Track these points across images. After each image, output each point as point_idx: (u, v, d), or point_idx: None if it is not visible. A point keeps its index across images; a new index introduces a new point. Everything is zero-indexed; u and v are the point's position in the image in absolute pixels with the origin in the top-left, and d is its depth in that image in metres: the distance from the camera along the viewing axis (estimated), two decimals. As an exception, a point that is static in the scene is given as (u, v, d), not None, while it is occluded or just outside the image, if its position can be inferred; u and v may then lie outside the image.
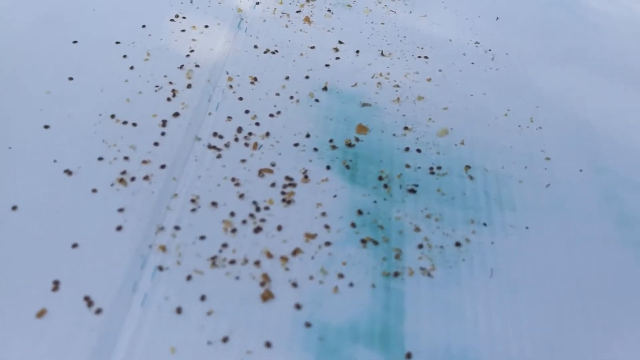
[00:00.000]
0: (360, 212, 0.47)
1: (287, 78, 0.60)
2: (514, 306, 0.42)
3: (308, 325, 0.40)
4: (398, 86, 0.60)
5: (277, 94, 0.58)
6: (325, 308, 0.41)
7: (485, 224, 0.47)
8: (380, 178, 0.50)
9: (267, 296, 0.41)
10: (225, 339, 0.39)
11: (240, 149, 0.52)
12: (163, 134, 0.52)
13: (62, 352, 0.37)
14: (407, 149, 0.53)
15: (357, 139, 0.54)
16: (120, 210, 0.46)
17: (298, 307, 0.41)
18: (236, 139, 0.53)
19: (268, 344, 0.39)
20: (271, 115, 0.56)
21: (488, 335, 0.41)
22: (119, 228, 0.45)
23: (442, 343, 0.40)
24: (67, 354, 0.37)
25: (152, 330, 0.39)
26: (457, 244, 0.46)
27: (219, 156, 0.51)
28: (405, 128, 0.55)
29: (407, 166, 0.51)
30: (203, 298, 0.41)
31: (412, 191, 0.49)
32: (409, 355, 0.39)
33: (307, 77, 0.60)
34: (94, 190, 0.47)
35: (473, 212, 0.48)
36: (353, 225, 0.46)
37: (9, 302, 0.40)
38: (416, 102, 0.58)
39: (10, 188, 0.47)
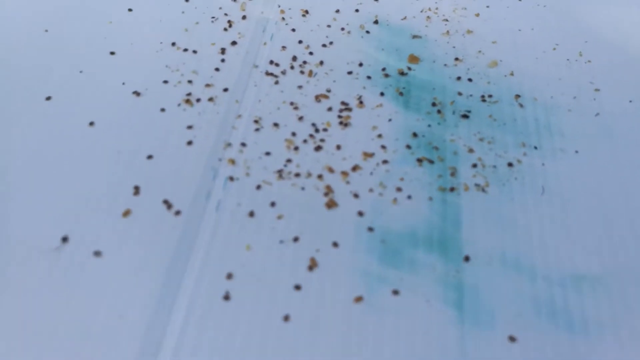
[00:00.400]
0: (415, 135, 0.49)
1: (337, 11, 0.61)
2: (565, 220, 0.45)
3: (370, 229, 0.43)
4: (447, 20, 0.61)
5: (329, 26, 0.60)
6: (386, 216, 0.44)
7: (535, 147, 0.49)
8: (434, 104, 0.52)
9: (331, 204, 0.44)
10: (295, 239, 0.42)
11: (296, 76, 0.54)
12: (222, 60, 0.55)
13: (148, 247, 0.41)
14: (458, 78, 0.55)
15: (409, 69, 0.55)
16: (189, 127, 0.49)
17: (360, 214, 0.44)
18: (292, 67, 0.55)
19: (335, 244, 0.42)
20: (324, 45, 0.57)
21: (540, 245, 0.43)
22: (189, 143, 0.47)
23: (497, 250, 0.42)
24: (152, 250, 0.41)
25: (227, 230, 0.42)
26: (509, 165, 0.48)
27: (276, 82, 0.53)
28: (456, 59, 0.57)
29: (459, 94, 0.53)
30: (273, 204, 0.44)
31: (465, 116, 0.51)
32: (466, 259, 0.41)
33: (356, 11, 0.61)
34: (163, 110, 0.50)
35: (523, 136, 0.50)
36: (408, 147, 0.49)
37: (97, 204, 0.43)
38: (465, 36, 0.59)
39: (86, 107, 0.50)
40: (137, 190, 0.44)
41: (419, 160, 0.48)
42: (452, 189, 0.46)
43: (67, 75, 0.52)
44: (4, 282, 0.38)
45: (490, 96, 0.53)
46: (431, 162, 0.48)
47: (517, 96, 0.54)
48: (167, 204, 0.43)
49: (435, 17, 0.62)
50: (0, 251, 0.40)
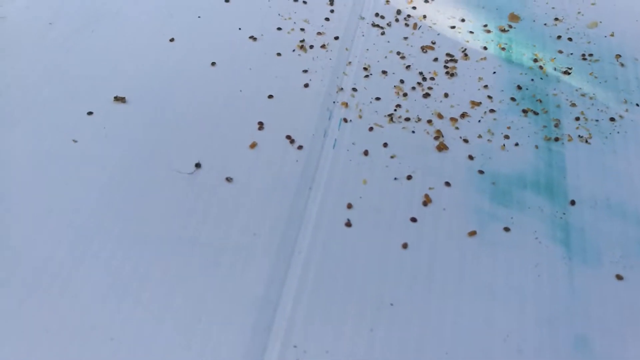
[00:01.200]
0: (519, 87, 0.51)
1: (437, -30, 0.63)
2: (667, 174, 0.46)
3: (481, 172, 0.45)
4: (546, -19, 0.62)
5: (430, -16, 0.61)
6: (494, 161, 0.46)
7: (638, 105, 0.50)
8: (535, 60, 0.54)
9: (441, 147, 0.47)
10: (409, 177, 0.45)
11: (401, 28, 0.56)
12: (332, 11, 0.57)
13: (274, 176, 0.44)
14: (558, 37, 0.56)
15: (509, 26, 0.57)
16: (304, 71, 0.52)
17: (470, 157, 0.46)
18: (396, 20, 0.57)
19: (447, 183, 0.44)
20: (426, 1, 0.59)
21: (643, 195, 0.45)
22: (305, 85, 0.50)
23: (601, 195, 0.44)
24: (279, 178, 0.44)
25: (344, 166, 0.45)
26: (612, 119, 0.49)
27: (382, 33, 0.56)
28: (556, 19, 0.58)
29: (560, 52, 0.55)
30: (385, 145, 0.47)
31: (567, 73, 0.53)
32: (572, 202, 0.43)
33: (456, -30, 0.63)
34: (279, 54, 0.53)
35: (625, 94, 0.51)
36: (513, 99, 0.50)
37: (224, 136, 0.47)
38: (565, -4, 0.60)
39: (206, 48, 0.53)
40: (261, 125, 0.47)
41: (524, 111, 0.49)
42: (556, 139, 0.48)
43: (187, 19, 0.56)
44: (150, 200, 0.43)
45: (590, 55, 0.55)
46: (536, 113, 0.49)
47: (618, 56, 0.55)
48: (290, 139, 0.46)
49: (534, -22, 0.62)
50: (146, 171, 0.44)
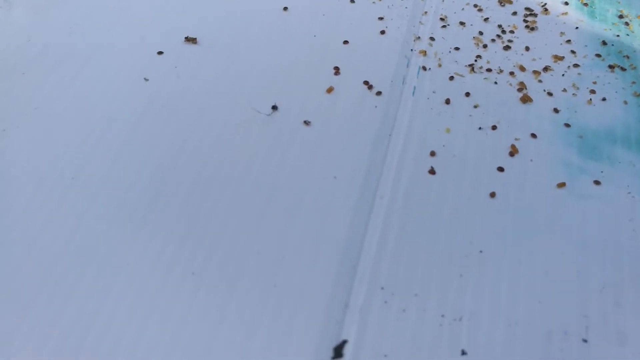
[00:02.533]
0: (604, 43, 0.49)
1: None
2: None
3: (567, 125, 0.43)
4: (628, -62, 0.59)
5: (505, -62, 0.59)
6: (581, 115, 0.44)
7: None
8: (620, 17, 0.51)
9: (526, 99, 0.45)
10: (494, 127, 0.43)
11: (477, -19, 0.54)
12: (405, -39, 0.55)
13: (353, 121, 0.43)
14: (644, -6, 0.53)
15: (591, -18, 0.55)
16: (380, 18, 0.50)
17: (556, 111, 0.44)
18: (472, -27, 0.55)
19: (533, 135, 0.42)
20: (502, -45, 0.57)
21: None
22: (382, 32, 0.49)
23: (697, 155, 0.42)
24: (358, 123, 0.43)
25: (425, 114, 0.44)
26: None
27: (458, -15, 0.54)
28: (640, -24, 0.55)
29: (646, 8, 0.52)
30: (467, 94, 0.45)
31: (654, 30, 0.50)
32: (667, 159, 0.41)
33: None
34: (352, 1, 0.51)
35: None
36: (598, 55, 0.48)
37: (300, 80, 0.45)
38: (648, -46, 0.57)
39: (277, -7, 0.52)
40: (337, 70, 0.46)
41: (611, 67, 0.47)
42: (646, 96, 0.45)
43: (256, -35, 0.54)
44: (227, 141, 0.41)
45: (678, 13, 0.52)
46: (623, 69, 0.47)
47: None
48: (367, 84, 0.45)
49: None
50: (221, 112, 0.43)
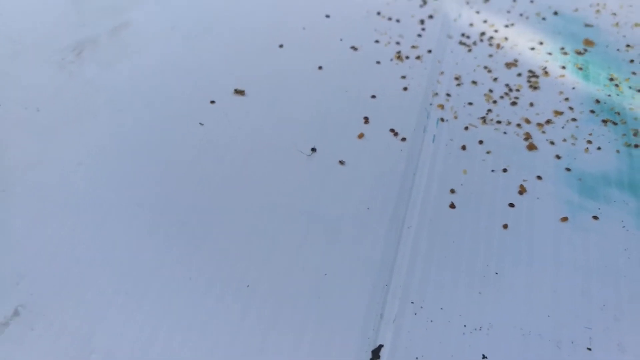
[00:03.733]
0: (598, 101, 0.56)
1: (514, 0, 0.69)
2: None
3: (568, 169, 0.50)
4: (615, 14, 0.68)
5: (508, 11, 0.68)
6: (580, 161, 0.50)
7: None
8: (611, 79, 0.59)
9: (531, 147, 0.51)
10: (504, 170, 0.49)
11: (486, 47, 0.62)
12: (423, 29, 0.64)
13: (381, 162, 0.49)
14: (631, 61, 0.61)
15: (585, 50, 0.62)
16: (403, 77, 0.57)
17: (558, 157, 0.51)
18: (481, 40, 0.63)
19: (539, 177, 0.49)
20: (506, 26, 0.65)
21: None
22: (404, 89, 0.56)
23: (682, 196, 0.48)
24: (385, 164, 0.49)
25: (444, 158, 0.50)
26: (686, 132, 0.54)
27: (469, 50, 0.62)
28: (627, 46, 0.63)
29: (633, 73, 0.60)
30: (481, 142, 0.51)
31: (640, 91, 0.58)
32: (656, 200, 0.48)
33: (531, 2, 0.69)
34: (378, 62, 0.59)
35: (696, 112, 0.56)
36: (592, 111, 0.55)
37: (335, 127, 0.52)
38: (634, 28, 0.66)
39: (312, 53, 0.59)
40: (366, 120, 0.53)
41: (604, 121, 0.54)
42: (636, 146, 0.52)
43: (293, 30, 0.63)
44: (273, 176, 0.48)
45: (661, 78, 0.60)
46: (615, 123, 0.54)
47: (687, 80, 0.60)
48: (393, 132, 0.52)
49: (604, 11, 0.68)
50: (268, 153, 0.50)
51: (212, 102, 0.54)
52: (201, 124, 0.52)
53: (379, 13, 0.65)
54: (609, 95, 0.57)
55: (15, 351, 0.38)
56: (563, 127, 0.54)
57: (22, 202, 0.46)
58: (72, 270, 0.42)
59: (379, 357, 0.38)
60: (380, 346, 0.38)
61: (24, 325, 0.39)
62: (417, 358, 0.38)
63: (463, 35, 0.64)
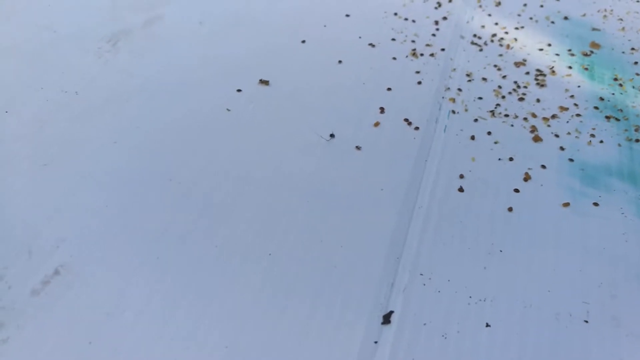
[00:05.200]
0: (601, 99, 0.59)
1: (525, 5, 0.73)
2: None
3: (571, 160, 0.53)
4: (622, 19, 0.71)
5: (519, 15, 0.71)
6: (583, 153, 0.53)
7: None
8: (615, 79, 0.62)
9: (537, 139, 0.54)
10: (510, 159, 0.52)
11: (496, 47, 0.66)
12: (437, 29, 0.67)
13: (396, 148, 0.53)
14: (635, 63, 0.64)
15: (591, 52, 0.66)
16: (417, 72, 0.61)
17: (562, 148, 0.54)
18: (492, 41, 0.67)
19: (543, 166, 0.52)
20: (516, 28, 0.69)
21: None
22: (418, 82, 0.60)
23: (679, 187, 0.51)
24: (399, 150, 0.52)
25: (454, 146, 0.53)
26: (685, 130, 0.57)
27: (481, 50, 0.65)
28: (632, 49, 0.66)
29: (637, 74, 0.63)
30: (489, 133, 0.55)
31: (643, 91, 0.61)
32: (654, 190, 0.50)
33: (541, 6, 0.73)
34: (394, 58, 0.63)
35: (696, 111, 0.59)
36: (597, 107, 0.58)
37: (351, 116, 0.55)
38: (639, 33, 0.69)
39: (333, 49, 0.63)
40: (382, 109, 0.56)
41: (607, 117, 0.57)
42: (637, 140, 0.55)
43: (315, 27, 0.66)
44: (294, 159, 0.51)
45: (664, 79, 0.63)
46: (617, 119, 0.57)
47: (689, 82, 0.62)
48: (407, 121, 0.55)
49: (610, 17, 0.72)
50: (289, 138, 0.53)
51: (239, 90, 0.58)
52: (228, 109, 0.56)
53: (396, 14, 0.69)
54: (613, 94, 0.60)
55: (56, 306, 0.41)
56: (568, 122, 0.57)
57: (62, 175, 0.49)
58: (107, 236, 0.45)
59: (389, 321, 0.41)
60: (391, 312, 0.41)
61: (64, 284, 0.42)
62: (425, 324, 0.41)
63: (475, 36, 0.67)
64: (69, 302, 0.41)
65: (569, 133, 0.55)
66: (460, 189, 0.50)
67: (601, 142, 0.55)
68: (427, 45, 0.65)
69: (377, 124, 0.55)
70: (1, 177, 0.49)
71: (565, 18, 0.71)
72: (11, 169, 0.50)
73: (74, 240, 0.45)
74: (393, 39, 0.65)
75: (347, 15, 0.68)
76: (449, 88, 0.60)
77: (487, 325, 0.41)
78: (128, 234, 0.45)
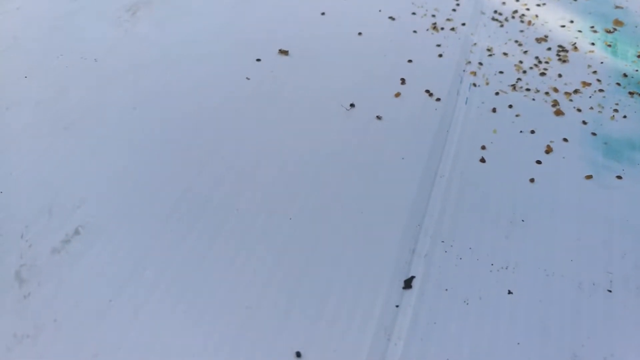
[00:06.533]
0: (625, 75, 0.59)
1: (546, -18, 0.72)
2: None
3: (594, 134, 0.52)
4: (645, -2, 0.70)
5: (541, -8, 0.70)
6: (605, 127, 0.53)
7: None
8: (639, 56, 0.61)
9: (558, 113, 0.54)
10: (532, 132, 0.52)
11: (517, 23, 0.65)
12: (457, 4, 0.66)
13: (417, 119, 0.52)
14: (659, 41, 0.63)
15: (614, 29, 0.65)
16: (438, 45, 0.60)
17: (584, 123, 0.53)
18: (513, 17, 0.66)
19: (565, 139, 0.51)
20: (538, 5, 0.68)
21: None
22: (439, 55, 0.59)
23: (703, 163, 0.50)
24: (421, 121, 0.52)
25: (476, 117, 0.53)
26: None
27: (501, 26, 0.64)
28: (656, 27, 0.65)
29: (661, 52, 0.62)
30: (510, 106, 0.54)
31: (667, 68, 0.60)
32: (678, 164, 0.50)
33: (563, -16, 0.72)
34: (415, 32, 0.62)
35: None
36: (619, 84, 0.58)
37: (372, 86, 0.55)
38: (663, 11, 0.68)
39: (353, 21, 0.63)
40: (403, 81, 0.56)
41: (631, 93, 0.56)
42: (661, 117, 0.54)
43: (335, 0, 0.66)
44: (316, 127, 0.51)
45: (688, 58, 0.62)
46: (641, 96, 0.56)
47: None
48: (429, 92, 0.55)
49: (634, -5, 0.71)
50: (310, 107, 0.53)
51: (258, 59, 0.58)
52: (248, 78, 0.55)
53: (416, -12, 0.69)
54: (637, 71, 0.59)
55: (76, 264, 0.41)
56: (590, 97, 0.56)
57: (82, 138, 0.49)
58: (128, 196, 0.45)
59: (411, 286, 0.41)
60: (412, 277, 0.41)
61: (84, 243, 0.42)
62: (446, 289, 0.40)
63: (496, 12, 0.66)
64: (89, 261, 0.41)
65: (591, 108, 0.55)
66: (482, 160, 0.49)
67: (624, 117, 0.54)
68: (448, 20, 0.64)
69: (397, 95, 0.54)
70: (22, 140, 0.49)
71: (588, -4, 0.70)
72: (32, 132, 0.50)
73: (94, 201, 0.45)
74: (413, 13, 0.65)
75: (367, -11, 0.68)
76: (469, 62, 0.59)
77: (509, 292, 0.41)
78: (148, 196, 0.45)
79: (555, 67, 0.59)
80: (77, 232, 0.43)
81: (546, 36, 0.63)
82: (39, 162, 0.48)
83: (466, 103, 0.54)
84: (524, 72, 0.58)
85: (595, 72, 0.59)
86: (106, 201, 0.45)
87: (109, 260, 0.41)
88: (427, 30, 0.62)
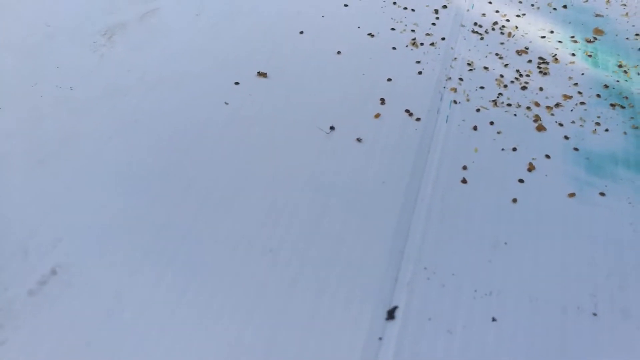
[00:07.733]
0: (606, 86, 0.58)
1: (526, -8, 0.72)
2: None
3: (576, 149, 0.52)
4: (625, 5, 0.70)
5: (520, 2, 0.70)
6: (588, 142, 0.53)
7: None
8: (620, 66, 0.61)
9: (540, 128, 0.53)
10: (514, 149, 0.51)
11: (497, 35, 0.65)
12: (437, 18, 0.66)
13: (397, 140, 0.52)
14: (639, 49, 0.63)
15: (594, 38, 0.64)
16: (417, 62, 0.60)
17: (566, 138, 0.53)
18: (492, 29, 0.65)
19: (547, 156, 0.51)
20: (517, 15, 0.68)
21: None
22: (419, 72, 0.58)
23: (686, 176, 0.50)
24: (401, 142, 0.51)
25: (457, 136, 0.52)
26: (691, 117, 0.56)
27: (482, 38, 0.64)
28: (637, 35, 0.65)
29: (641, 61, 0.62)
30: (491, 123, 0.54)
31: (648, 78, 0.60)
32: (660, 178, 0.50)
33: (543, -7, 0.71)
34: (394, 48, 0.61)
35: (702, 98, 0.58)
36: (600, 96, 0.57)
37: (352, 107, 0.54)
38: (643, 18, 0.68)
39: (332, 39, 0.62)
40: (383, 101, 0.55)
41: (612, 105, 0.56)
42: (643, 129, 0.54)
43: (313, 17, 0.65)
44: (294, 152, 0.50)
45: (669, 66, 0.62)
46: (622, 107, 0.56)
47: (694, 68, 0.61)
48: (408, 112, 0.54)
49: (614, 2, 0.70)
50: (289, 130, 0.52)
51: (237, 83, 0.57)
52: (226, 103, 0.55)
53: (394, 3, 0.68)
54: (618, 81, 0.59)
55: (53, 306, 0.40)
56: (572, 110, 0.56)
57: (58, 172, 0.48)
58: (105, 234, 0.44)
59: (394, 317, 0.40)
60: (395, 307, 0.41)
61: (61, 283, 0.42)
62: (430, 319, 0.40)
63: (475, 24, 0.66)
64: (67, 302, 0.41)
65: (573, 122, 0.54)
66: (464, 181, 0.49)
67: (606, 130, 0.54)
68: (427, 34, 0.63)
69: (377, 116, 0.54)
70: (-4, 176, 0.49)
71: (565, 7, 0.70)
72: (6, 166, 0.49)
73: (71, 239, 0.44)
74: (392, 29, 0.64)
75: (346, 5, 0.67)
76: (450, 78, 0.58)
77: (494, 319, 0.40)
78: (126, 231, 0.45)
79: (536, 80, 0.59)
80: (53, 272, 0.42)
81: (527, 48, 0.63)
82: (13, 198, 0.47)
83: (447, 121, 0.54)
84: (505, 86, 0.58)
85: (576, 84, 0.59)
86: (83, 238, 0.44)
87: (87, 301, 0.41)
88: (407, 46, 0.62)
